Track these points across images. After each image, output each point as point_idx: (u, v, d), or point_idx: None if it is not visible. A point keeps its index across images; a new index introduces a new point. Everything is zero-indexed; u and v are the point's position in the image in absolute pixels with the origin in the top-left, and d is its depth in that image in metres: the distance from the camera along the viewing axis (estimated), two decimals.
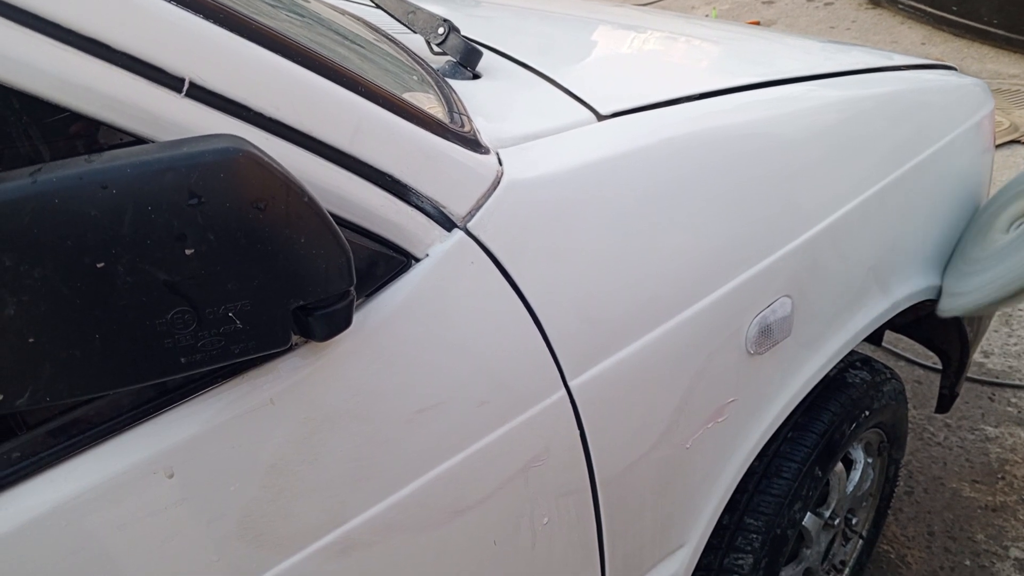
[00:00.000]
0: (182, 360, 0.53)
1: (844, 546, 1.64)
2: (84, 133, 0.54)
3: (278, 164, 0.52)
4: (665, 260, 0.89)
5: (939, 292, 1.41)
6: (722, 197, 0.96)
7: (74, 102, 0.51)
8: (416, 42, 1.12)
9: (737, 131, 1.02)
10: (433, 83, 0.91)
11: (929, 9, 5.40)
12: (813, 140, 1.11)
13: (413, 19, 1.06)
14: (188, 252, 0.50)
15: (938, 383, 1.77)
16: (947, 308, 1.39)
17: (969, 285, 1.34)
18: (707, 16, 6.22)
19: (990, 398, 2.33)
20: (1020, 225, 1.36)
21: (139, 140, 0.54)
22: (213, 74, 0.55)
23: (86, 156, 0.48)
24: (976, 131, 1.46)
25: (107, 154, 0.48)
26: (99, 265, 0.48)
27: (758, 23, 6.05)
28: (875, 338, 1.83)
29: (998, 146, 3.76)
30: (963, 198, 1.47)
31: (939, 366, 1.75)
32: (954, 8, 5.20)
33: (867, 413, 1.37)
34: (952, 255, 1.44)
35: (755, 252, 0.99)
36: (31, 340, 0.48)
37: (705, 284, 0.93)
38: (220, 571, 0.62)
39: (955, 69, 1.58)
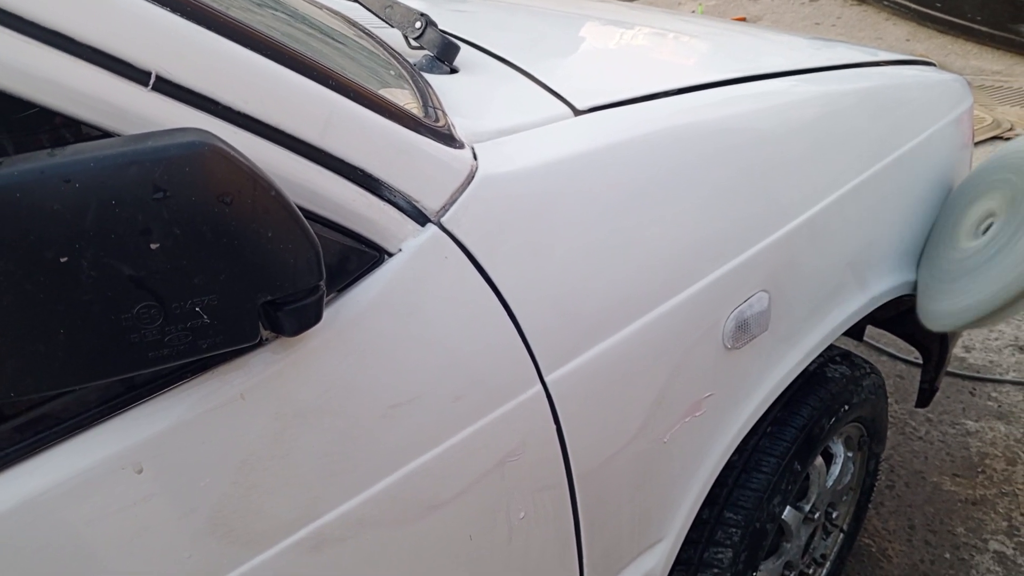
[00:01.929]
0: (149, 355, 0.52)
1: (825, 540, 1.64)
2: (48, 127, 0.53)
3: (245, 158, 0.52)
4: (641, 255, 0.89)
5: (916, 288, 1.42)
6: (699, 192, 0.96)
7: (38, 95, 0.50)
8: (394, 36, 1.11)
9: (715, 126, 1.02)
10: (408, 77, 0.91)
11: (914, 6, 5.44)
12: (791, 135, 1.11)
13: (390, 13, 1.06)
14: (153, 246, 0.49)
15: (919, 378, 1.78)
16: (932, 325, 1.39)
17: (950, 305, 1.33)
18: (693, 12, 6.23)
19: (971, 392, 2.35)
20: (987, 229, 1.35)
21: (105, 134, 0.53)
22: (180, 68, 0.55)
23: (49, 150, 0.47)
24: (955, 127, 1.47)
25: (70, 148, 0.47)
26: (62, 260, 0.47)
27: (744, 19, 6.07)
28: (857, 333, 1.84)
29: (981, 142, 3.78)
30: (942, 193, 1.47)
31: (920, 361, 1.76)
32: (938, 5, 5.24)
33: (846, 408, 1.38)
34: (920, 260, 1.44)
35: (732, 247, 0.99)
36: None
37: (682, 279, 0.93)
38: (191, 567, 0.62)
39: (935, 65, 1.59)
